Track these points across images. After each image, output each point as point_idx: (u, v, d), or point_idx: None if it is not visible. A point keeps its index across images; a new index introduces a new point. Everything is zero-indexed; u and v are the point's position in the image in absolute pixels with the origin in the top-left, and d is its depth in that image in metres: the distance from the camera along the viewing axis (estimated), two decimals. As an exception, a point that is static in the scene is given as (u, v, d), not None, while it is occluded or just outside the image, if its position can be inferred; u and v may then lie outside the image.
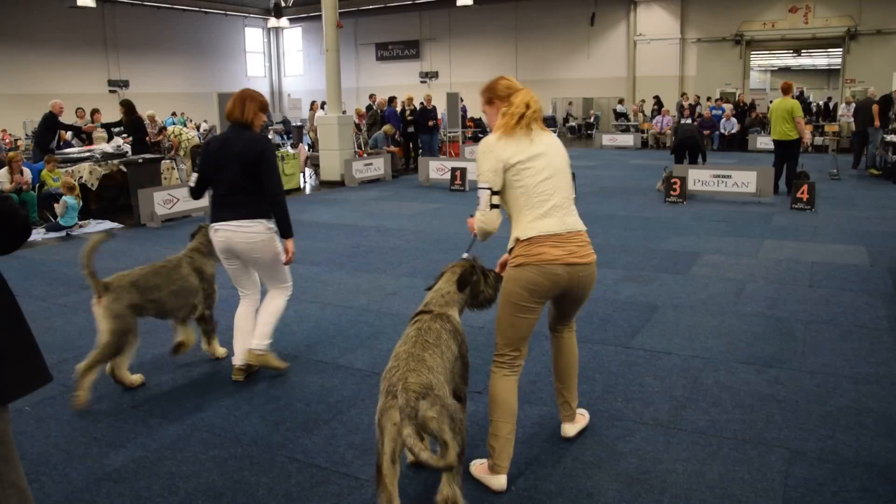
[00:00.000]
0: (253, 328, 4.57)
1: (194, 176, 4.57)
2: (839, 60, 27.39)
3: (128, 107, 12.85)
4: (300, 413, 4.03)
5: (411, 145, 18.22)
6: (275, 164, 4.39)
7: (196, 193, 4.62)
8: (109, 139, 13.47)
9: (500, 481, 3.15)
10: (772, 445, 3.52)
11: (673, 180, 11.47)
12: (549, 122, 29.59)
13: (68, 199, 10.04)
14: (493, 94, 3.38)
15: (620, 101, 28.08)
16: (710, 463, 3.36)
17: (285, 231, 4.40)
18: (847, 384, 4.24)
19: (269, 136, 21.12)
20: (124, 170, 11.54)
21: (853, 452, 3.44)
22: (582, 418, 3.71)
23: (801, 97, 23.91)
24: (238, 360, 4.56)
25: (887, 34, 24.70)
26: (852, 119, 17.83)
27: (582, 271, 3.16)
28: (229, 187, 4.32)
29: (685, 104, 24.81)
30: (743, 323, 5.43)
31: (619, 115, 27.38)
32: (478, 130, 24.01)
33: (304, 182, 15.34)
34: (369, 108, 19.74)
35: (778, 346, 4.90)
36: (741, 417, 3.83)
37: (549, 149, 3.24)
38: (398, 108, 17.89)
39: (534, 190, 3.14)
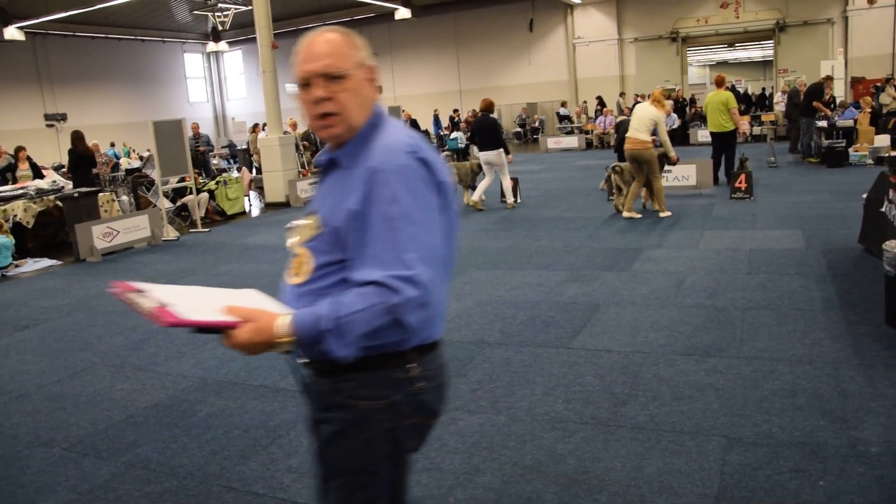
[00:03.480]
0: None
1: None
2: (772, 52, 28.09)
3: (78, 138, 12.84)
4: (238, 440, 3.95)
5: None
6: None
7: None
8: (35, 177, 13.29)
9: None
10: (709, 435, 3.54)
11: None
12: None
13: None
14: None
15: (563, 104, 28.40)
16: (649, 457, 3.37)
17: None
18: (782, 367, 4.31)
19: (215, 161, 20.91)
20: (60, 205, 11.27)
21: (787, 434, 3.48)
22: None
23: (733, 89, 24.50)
24: None
25: (814, 24, 25.44)
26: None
27: None
28: None
29: (623, 103, 25.19)
30: (683, 315, 5.49)
31: (563, 118, 27.67)
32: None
33: (249, 205, 15.17)
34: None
35: (717, 335, 4.96)
36: (680, 409, 3.85)
37: None
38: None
39: None
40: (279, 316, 1.63)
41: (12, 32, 24.72)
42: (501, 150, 11.48)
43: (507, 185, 11.89)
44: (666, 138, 9.75)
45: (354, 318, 1.56)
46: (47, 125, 29.00)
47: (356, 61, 1.81)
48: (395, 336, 1.62)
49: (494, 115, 12.16)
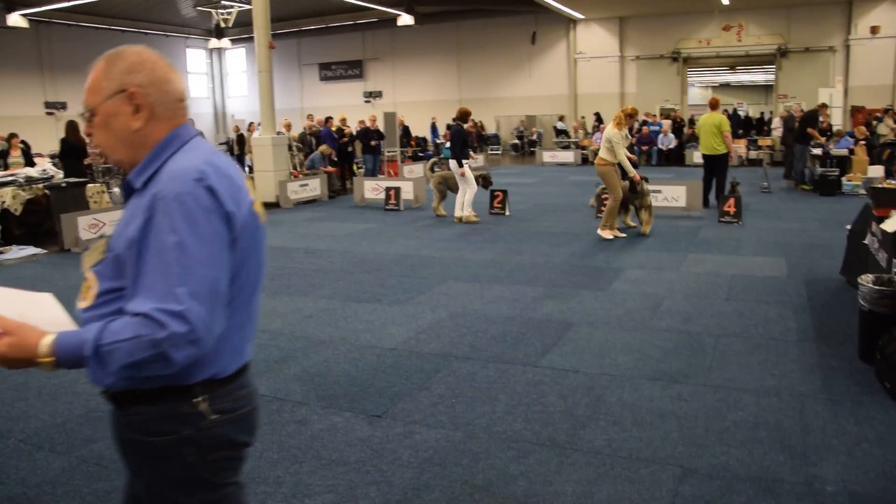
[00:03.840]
0: None
1: None
2: (773, 77, 28.15)
3: (72, 127, 12.86)
4: (191, 445, 3.89)
5: (346, 165, 18.15)
6: None
7: None
8: (27, 164, 13.27)
9: None
10: (665, 463, 3.49)
11: (604, 196, 11.55)
12: (493, 140, 29.83)
13: (-17, 225, 9.70)
14: None
15: (561, 118, 28.41)
16: (601, 483, 3.32)
17: None
18: (748, 398, 4.26)
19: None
20: (48, 194, 11.21)
21: (744, 468, 3.43)
22: None
23: (734, 114, 24.54)
24: None
25: (815, 51, 25.49)
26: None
27: None
28: None
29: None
30: (655, 338, 5.44)
31: (560, 132, 27.67)
32: (418, 150, 23.98)
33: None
34: (311, 128, 19.64)
35: (686, 362, 4.92)
36: (639, 435, 3.80)
37: None
38: (333, 128, 17.83)
39: None
40: (45, 334, 1.57)
41: (16, 19, 24.71)
42: (455, 161, 11.45)
43: (464, 199, 11.59)
44: (623, 158, 9.69)
45: (116, 347, 1.51)
46: (47, 113, 28.94)
47: (108, 92, 1.71)
48: (162, 370, 1.55)
49: (467, 125, 12.18)
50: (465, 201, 11.60)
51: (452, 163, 11.53)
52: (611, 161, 9.59)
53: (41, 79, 29.79)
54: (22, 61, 28.85)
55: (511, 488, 3.30)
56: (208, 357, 1.65)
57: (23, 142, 15.87)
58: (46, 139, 26.60)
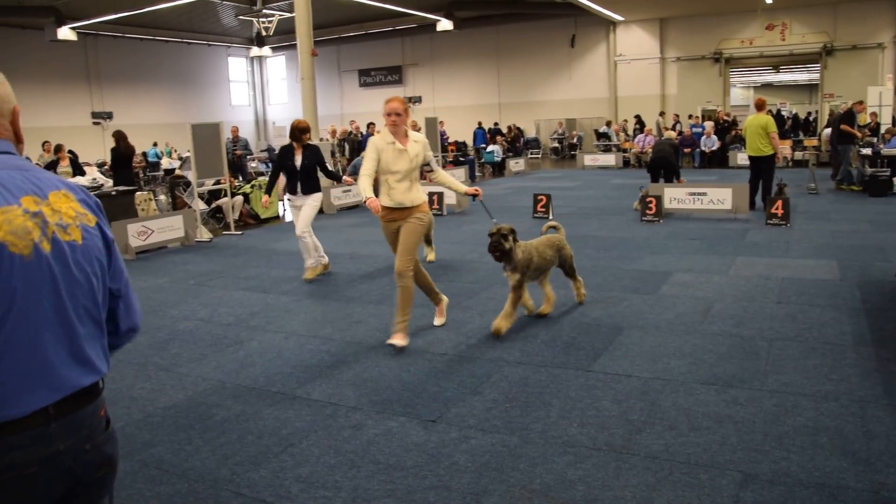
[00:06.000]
0: None
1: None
2: (818, 76, 27.65)
3: (121, 136, 13.20)
4: (251, 446, 3.96)
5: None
6: None
7: None
8: (76, 174, 13.62)
9: None
10: (724, 469, 3.46)
11: (648, 199, 11.49)
12: (533, 144, 29.76)
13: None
14: None
15: (608, 124, 28.11)
16: (660, 488, 3.30)
17: None
18: (806, 403, 4.20)
19: (252, 165, 21.14)
20: (99, 202, 11.48)
21: (806, 473, 3.39)
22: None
23: (779, 114, 24.13)
24: None
25: (862, 49, 24.98)
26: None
27: None
28: None
29: (662, 123, 25.02)
30: (707, 342, 5.39)
31: (601, 135, 27.50)
32: (459, 154, 24.02)
33: (283, 210, 15.30)
34: (349, 134, 19.86)
35: (740, 366, 4.86)
36: (696, 440, 3.77)
37: None
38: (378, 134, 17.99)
39: None
40: None
41: (65, 32, 25.42)
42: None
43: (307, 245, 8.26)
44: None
45: None
46: (94, 122, 29.64)
47: None
48: None
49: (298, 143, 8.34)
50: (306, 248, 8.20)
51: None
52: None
53: (88, 89, 30.56)
54: (70, 73, 29.64)
55: (570, 493, 3.30)
56: None
57: (70, 151, 16.30)
58: (93, 148, 27.29)
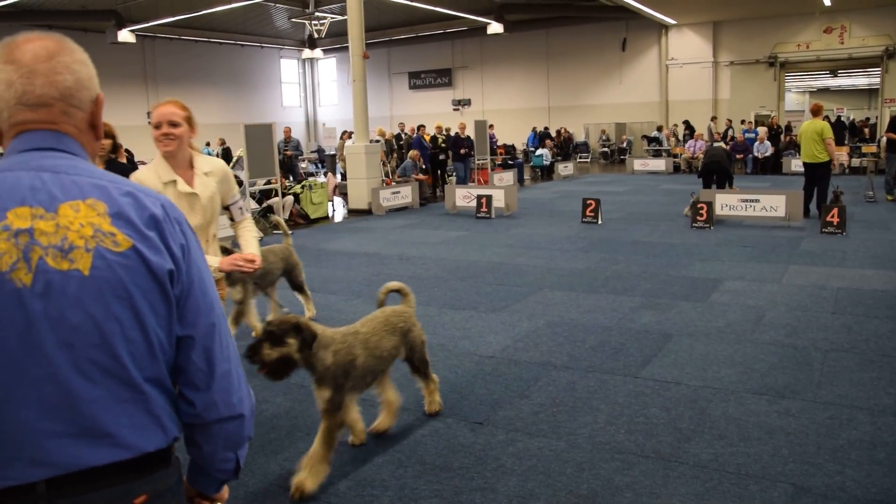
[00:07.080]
0: None
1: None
2: (878, 80, 26.90)
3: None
4: (300, 442, 4.02)
5: (440, 172, 18.39)
6: None
7: None
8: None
9: None
10: (776, 480, 3.41)
11: (700, 205, 11.33)
12: (583, 148, 29.57)
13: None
14: None
15: (659, 129, 27.74)
16: (709, 498, 3.27)
17: None
18: (862, 416, 4.11)
19: (303, 165, 21.44)
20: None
21: (862, 489, 3.32)
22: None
23: (837, 120, 23.53)
24: None
25: (927, 53, 24.25)
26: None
27: None
28: None
29: (714, 128, 24.63)
30: (759, 352, 5.30)
31: (651, 140, 27.17)
32: (507, 157, 23.99)
33: (332, 211, 15.49)
34: (398, 136, 20.03)
35: (793, 376, 4.77)
36: (746, 451, 3.72)
37: None
38: (427, 136, 18.13)
39: None
40: None
41: (125, 35, 26.12)
42: None
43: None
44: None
45: None
46: (149, 122, 30.34)
47: None
48: None
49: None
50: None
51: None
52: None
53: (145, 90, 31.35)
54: (128, 74, 30.44)
55: (617, 499, 3.29)
56: None
57: (127, 150, 16.71)
58: (148, 147, 27.91)
